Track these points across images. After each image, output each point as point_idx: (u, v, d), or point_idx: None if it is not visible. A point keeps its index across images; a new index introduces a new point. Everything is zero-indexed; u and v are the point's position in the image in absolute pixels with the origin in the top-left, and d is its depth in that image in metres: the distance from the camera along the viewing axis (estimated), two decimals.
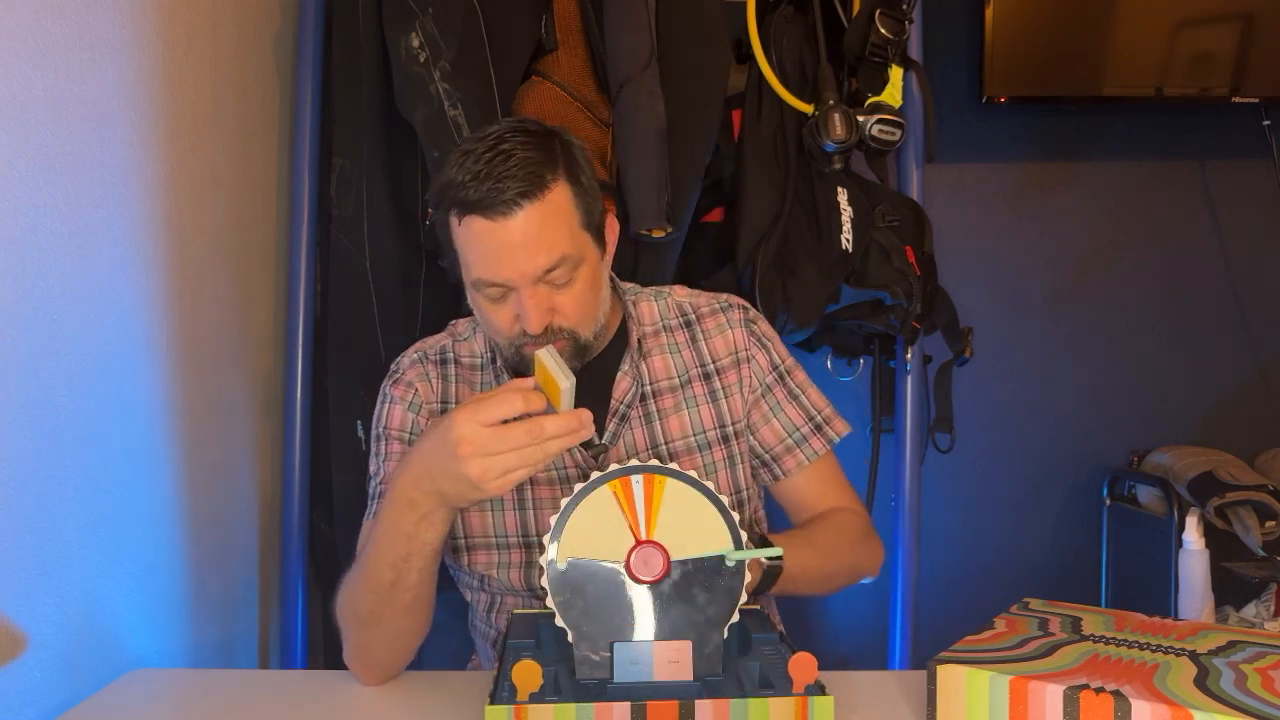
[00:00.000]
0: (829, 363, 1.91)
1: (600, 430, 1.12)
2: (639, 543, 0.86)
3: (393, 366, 1.18)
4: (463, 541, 1.13)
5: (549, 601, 0.86)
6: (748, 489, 1.17)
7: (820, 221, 1.58)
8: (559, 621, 0.86)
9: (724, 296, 1.22)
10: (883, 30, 1.55)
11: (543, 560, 0.86)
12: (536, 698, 0.80)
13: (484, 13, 1.45)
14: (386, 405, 1.15)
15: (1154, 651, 0.84)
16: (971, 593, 2.26)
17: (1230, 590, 1.99)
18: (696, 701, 0.80)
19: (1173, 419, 2.33)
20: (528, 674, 0.80)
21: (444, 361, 1.17)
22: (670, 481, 0.87)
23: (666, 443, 1.14)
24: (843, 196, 1.57)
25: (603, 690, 0.83)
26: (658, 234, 1.44)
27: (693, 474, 0.88)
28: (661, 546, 0.86)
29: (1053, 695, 0.76)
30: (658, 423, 1.15)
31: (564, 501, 0.87)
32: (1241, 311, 2.34)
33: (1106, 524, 2.27)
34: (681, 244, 1.57)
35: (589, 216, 1.03)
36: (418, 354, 1.18)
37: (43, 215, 0.97)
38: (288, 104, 1.61)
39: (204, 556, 1.32)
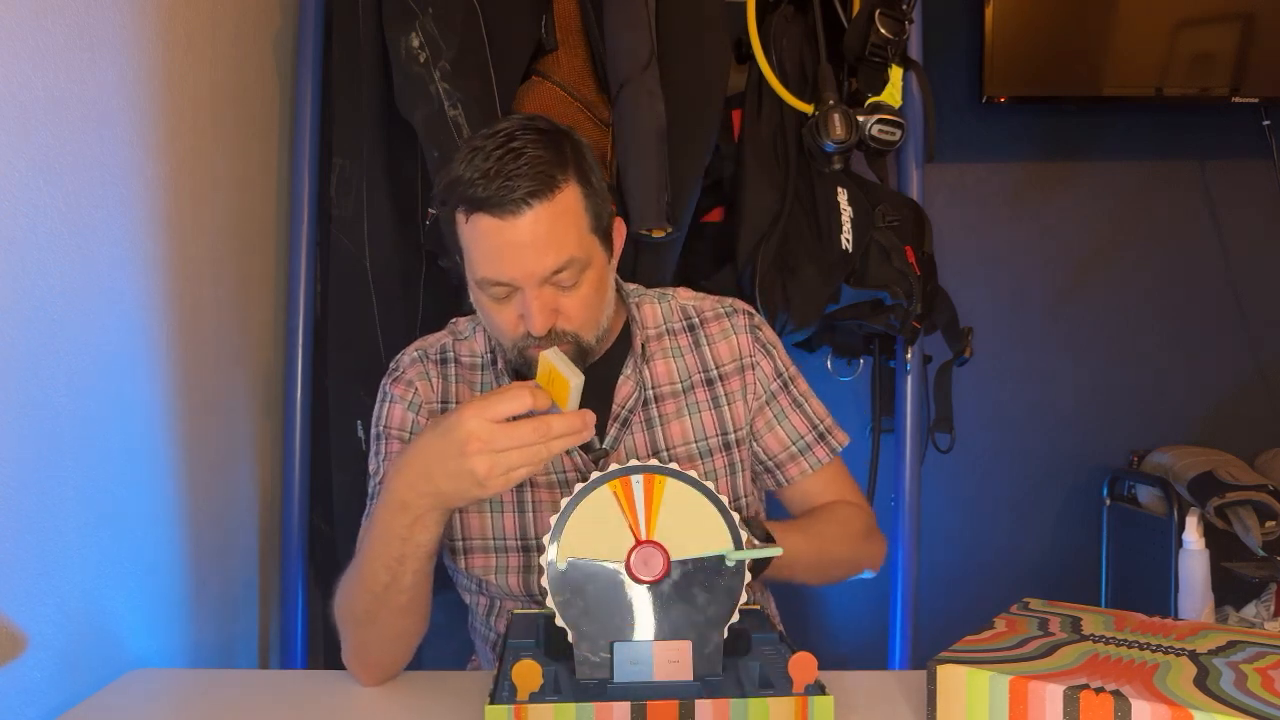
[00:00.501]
0: (829, 363, 1.91)
1: (601, 434, 1.11)
2: (639, 543, 0.86)
3: (392, 364, 1.17)
4: (460, 543, 1.12)
5: (549, 602, 0.86)
6: (748, 496, 1.16)
7: (820, 221, 1.58)
8: (559, 621, 0.86)
9: (728, 301, 1.21)
10: (883, 30, 1.55)
11: (543, 560, 0.86)
12: (536, 698, 0.80)
13: (484, 13, 1.45)
14: (386, 404, 1.14)
15: (1154, 651, 0.84)
16: (971, 593, 2.26)
17: (1230, 590, 1.98)
18: (696, 701, 0.80)
19: (1173, 419, 2.33)
20: (528, 674, 0.80)
21: (444, 361, 1.16)
22: (670, 481, 0.87)
23: (668, 448, 1.13)
24: (843, 196, 1.57)
25: (603, 690, 0.83)
26: (658, 234, 1.44)
27: (693, 473, 0.88)
28: (661, 546, 0.86)
29: (1053, 695, 0.76)
30: (659, 428, 1.14)
31: (564, 501, 0.87)
32: (1241, 311, 2.33)
33: (1106, 524, 2.27)
34: (681, 244, 1.57)
35: (598, 219, 1.02)
36: (418, 352, 1.17)
37: (43, 215, 0.97)
38: (288, 104, 1.61)
39: (204, 556, 1.32)
